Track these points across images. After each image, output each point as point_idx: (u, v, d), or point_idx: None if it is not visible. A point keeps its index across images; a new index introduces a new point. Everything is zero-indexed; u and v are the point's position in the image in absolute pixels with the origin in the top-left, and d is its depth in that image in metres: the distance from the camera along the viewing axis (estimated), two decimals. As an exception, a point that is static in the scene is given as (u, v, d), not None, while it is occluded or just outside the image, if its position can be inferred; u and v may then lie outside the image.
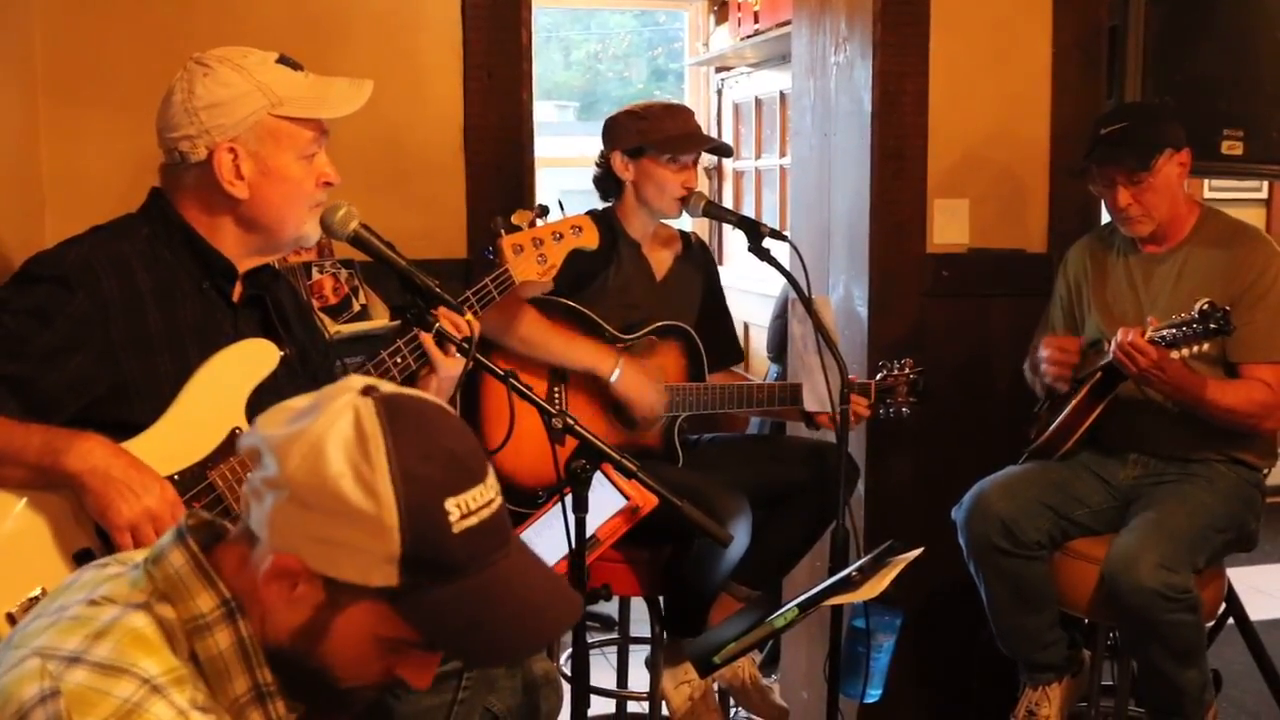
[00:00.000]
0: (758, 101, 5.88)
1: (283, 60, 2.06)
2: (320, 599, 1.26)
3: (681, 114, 3.07)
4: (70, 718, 1.15)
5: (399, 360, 2.14)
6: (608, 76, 9.13)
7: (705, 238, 6.10)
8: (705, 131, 6.27)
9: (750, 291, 5.68)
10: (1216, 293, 2.85)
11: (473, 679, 2.07)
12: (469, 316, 2.19)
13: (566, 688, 2.30)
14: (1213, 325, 2.72)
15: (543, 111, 9.46)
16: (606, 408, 2.96)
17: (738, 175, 6.17)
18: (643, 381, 2.91)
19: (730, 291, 5.89)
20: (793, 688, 3.84)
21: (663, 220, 3.13)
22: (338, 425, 1.24)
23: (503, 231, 2.38)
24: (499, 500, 1.31)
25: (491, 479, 1.31)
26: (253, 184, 2.01)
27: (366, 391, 1.28)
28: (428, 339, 2.13)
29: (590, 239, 2.47)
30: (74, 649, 1.21)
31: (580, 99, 9.56)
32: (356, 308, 3.01)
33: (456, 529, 1.24)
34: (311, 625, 1.28)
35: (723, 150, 3.11)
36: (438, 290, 2.16)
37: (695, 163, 3.05)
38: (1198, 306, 2.74)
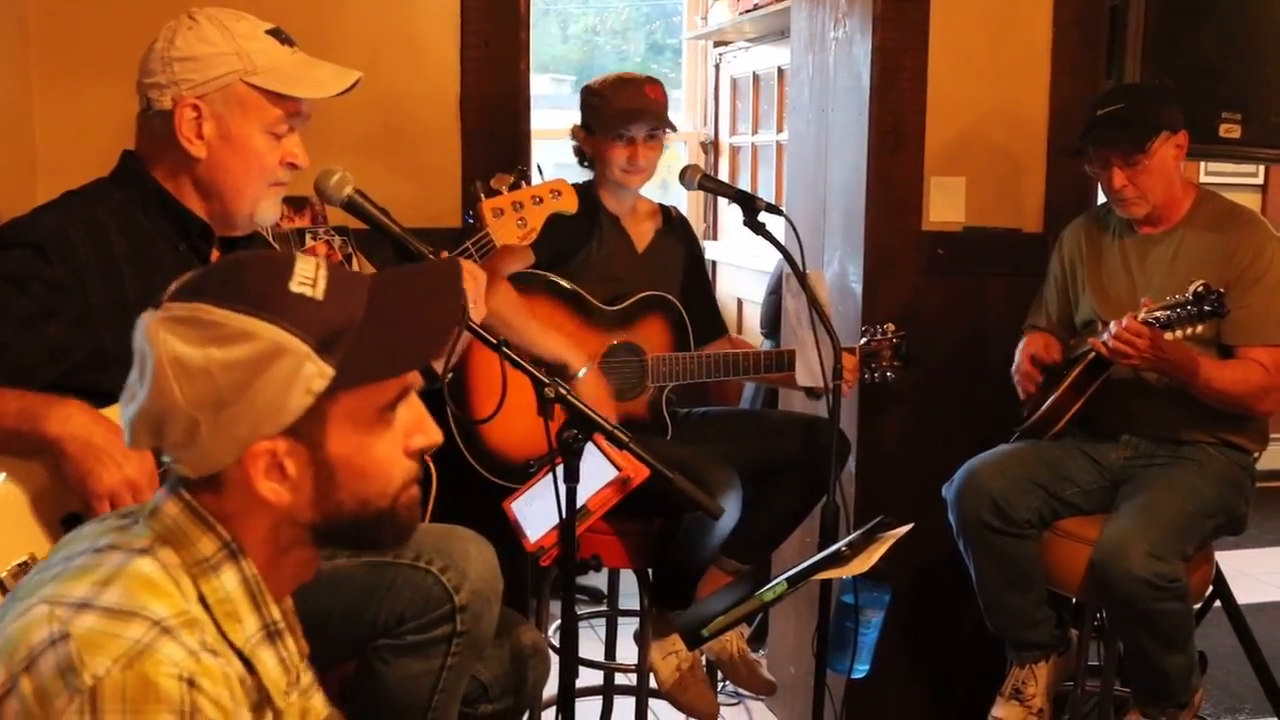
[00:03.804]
0: (755, 77, 5.85)
1: (275, 33, 2.04)
2: (305, 452, 1.28)
3: (633, 89, 3.04)
4: (81, 659, 1.15)
5: None
6: (605, 50, 9.08)
7: (700, 212, 6.12)
8: (701, 107, 6.29)
9: (744, 267, 5.67)
10: (1212, 275, 2.85)
11: (461, 646, 2.07)
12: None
13: (554, 658, 2.31)
14: (1207, 307, 2.73)
15: (540, 84, 9.40)
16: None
17: (734, 150, 6.15)
18: (599, 397, 2.84)
19: (724, 267, 5.93)
20: (781, 662, 3.85)
21: (632, 192, 3.12)
22: (165, 341, 1.24)
23: (483, 195, 2.37)
24: (322, 261, 1.34)
25: (300, 255, 1.33)
26: (211, 146, 1.99)
27: (154, 311, 1.28)
28: None
29: (569, 203, 2.46)
30: (82, 595, 1.21)
31: (578, 72, 9.52)
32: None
33: (320, 295, 1.27)
34: (320, 479, 1.30)
35: (665, 126, 3.07)
36: (430, 256, 2.15)
37: (651, 139, 3.03)
38: (1192, 288, 2.74)
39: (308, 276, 1.28)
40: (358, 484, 1.32)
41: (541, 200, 2.43)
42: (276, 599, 1.35)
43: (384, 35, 3.12)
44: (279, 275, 1.27)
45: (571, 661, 2.17)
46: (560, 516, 2.10)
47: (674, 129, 3.13)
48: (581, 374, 2.84)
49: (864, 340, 3.14)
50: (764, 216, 2.85)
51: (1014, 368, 3.18)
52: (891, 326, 3.15)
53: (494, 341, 2.13)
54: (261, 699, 1.31)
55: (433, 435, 1.39)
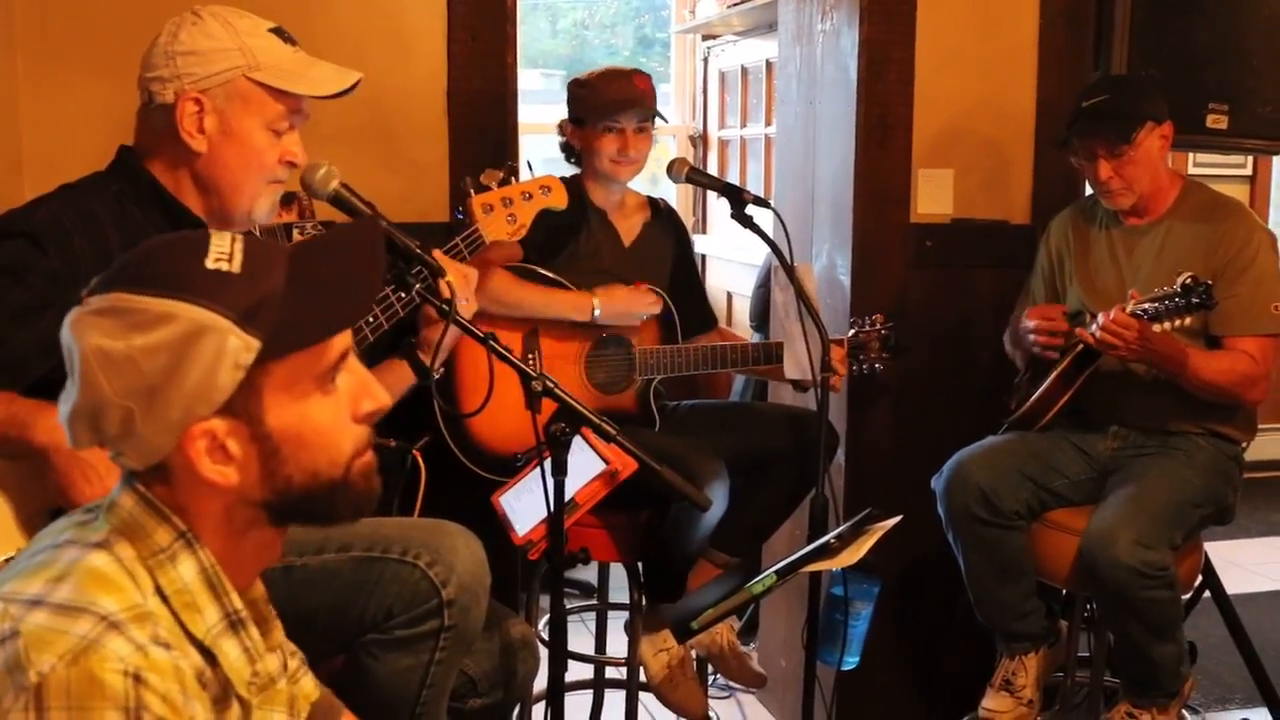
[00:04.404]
0: (744, 70, 5.85)
1: (277, 31, 2.04)
2: (245, 429, 1.28)
3: (622, 80, 3.04)
4: (28, 656, 1.15)
5: (370, 319, 2.15)
6: (594, 44, 9.08)
7: (689, 205, 6.12)
8: (690, 101, 6.28)
9: (733, 260, 5.67)
10: (1199, 265, 2.86)
11: (449, 640, 2.07)
12: (450, 277, 2.18)
13: (544, 651, 2.31)
14: (1195, 299, 2.73)
15: (529, 79, 9.39)
16: (582, 372, 2.97)
17: (723, 144, 6.15)
18: (626, 295, 2.96)
19: (713, 260, 5.93)
20: (771, 655, 3.85)
21: (620, 185, 3.12)
22: (86, 335, 1.24)
23: (472, 191, 2.37)
24: (238, 235, 1.33)
25: (214, 232, 1.33)
26: (212, 140, 1.99)
27: (77, 308, 1.28)
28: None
29: (559, 199, 2.46)
30: (35, 593, 1.21)
31: (567, 67, 9.51)
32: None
33: (236, 268, 1.26)
34: (264, 455, 1.29)
35: (653, 115, 3.08)
36: (418, 251, 2.15)
37: (641, 130, 3.03)
38: (1180, 280, 2.75)
39: (223, 252, 1.27)
40: (305, 455, 1.31)
41: (531, 196, 2.43)
42: (239, 587, 1.34)
43: (371, 29, 3.12)
44: (194, 254, 1.27)
45: (561, 655, 2.17)
46: (548, 510, 2.11)
47: (664, 119, 3.13)
48: (598, 312, 2.91)
49: (852, 332, 3.14)
50: (752, 209, 2.85)
51: (1027, 339, 3.10)
52: (880, 318, 3.15)
53: (481, 335, 2.13)
54: (225, 691, 1.30)
55: (380, 398, 1.38)
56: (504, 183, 2.42)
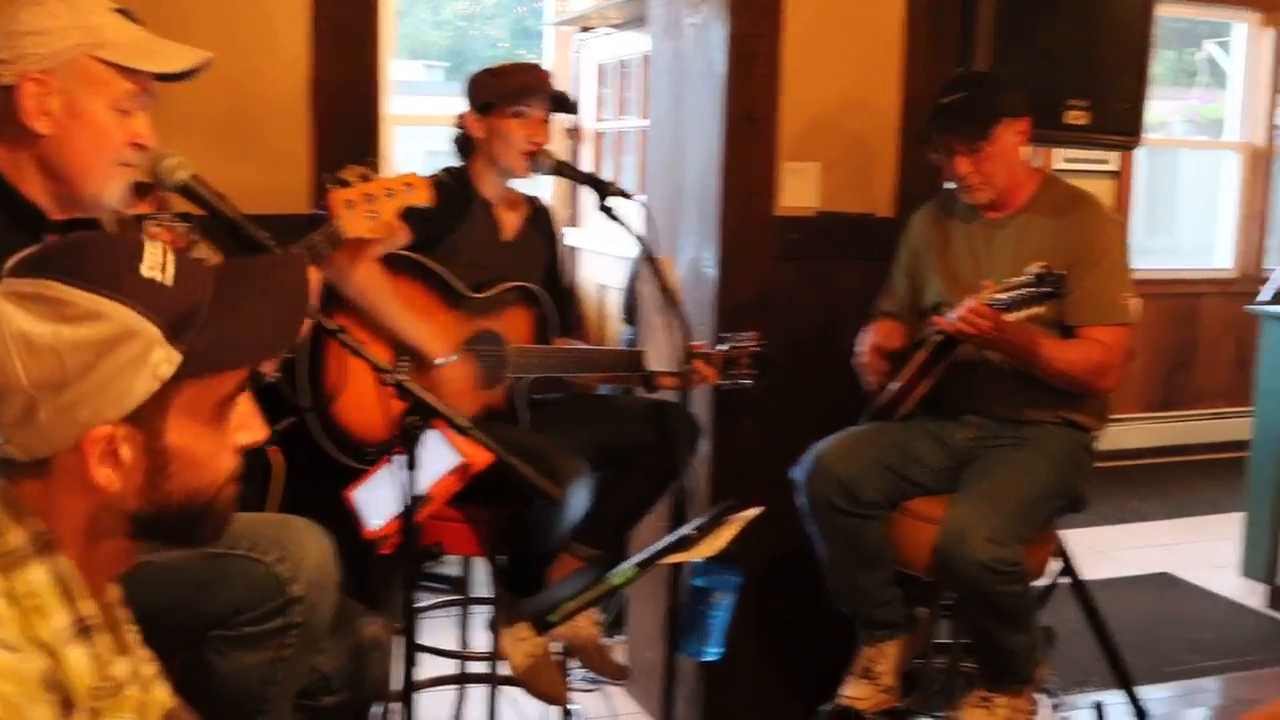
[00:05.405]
0: (621, 63, 5.85)
1: (122, 11, 1.99)
2: (142, 439, 1.26)
3: (532, 71, 3.08)
4: None
5: None
6: (474, 36, 9.03)
7: (565, 199, 6.11)
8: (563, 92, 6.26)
9: (606, 254, 5.67)
10: (1054, 257, 2.92)
11: (296, 637, 2.05)
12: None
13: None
14: (1047, 289, 2.79)
15: (412, 70, 9.31)
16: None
17: (599, 137, 6.14)
18: (464, 386, 2.87)
19: (586, 254, 5.92)
20: (638, 647, 3.86)
21: (512, 181, 3.12)
22: (10, 317, 1.22)
23: (333, 187, 2.35)
24: (169, 248, 1.32)
25: (147, 240, 1.31)
26: (57, 122, 1.93)
27: None
28: None
29: (422, 196, 2.45)
30: None
31: (449, 58, 9.45)
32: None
33: (169, 280, 1.26)
34: (152, 468, 1.28)
35: (566, 105, 3.11)
36: (269, 244, 2.13)
37: (544, 121, 3.04)
38: (1033, 271, 2.80)
39: (156, 261, 1.26)
40: (189, 475, 1.31)
41: (394, 193, 2.42)
42: (93, 592, 1.32)
43: (232, 16, 3.05)
44: (128, 257, 1.26)
45: (411, 653, 2.15)
46: (401, 504, 2.09)
47: (572, 111, 3.13)
48: (440, 363, 2.82)
49: (726, 347, 3.14)
50: (623, 202, 2.86)
51: (856, 358, 3.22)
52: (755, 335, 3.16)
53: (332, 329, 2.11)
54: (70, 697, 1.27)
55: (258, 433, 1.39)
56: (365, 179, 2.40)
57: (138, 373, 1.23)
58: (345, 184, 2.37)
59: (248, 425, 1.38)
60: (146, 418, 1.26)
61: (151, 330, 1.22)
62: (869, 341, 3.20)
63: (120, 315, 1.22)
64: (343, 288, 2.76)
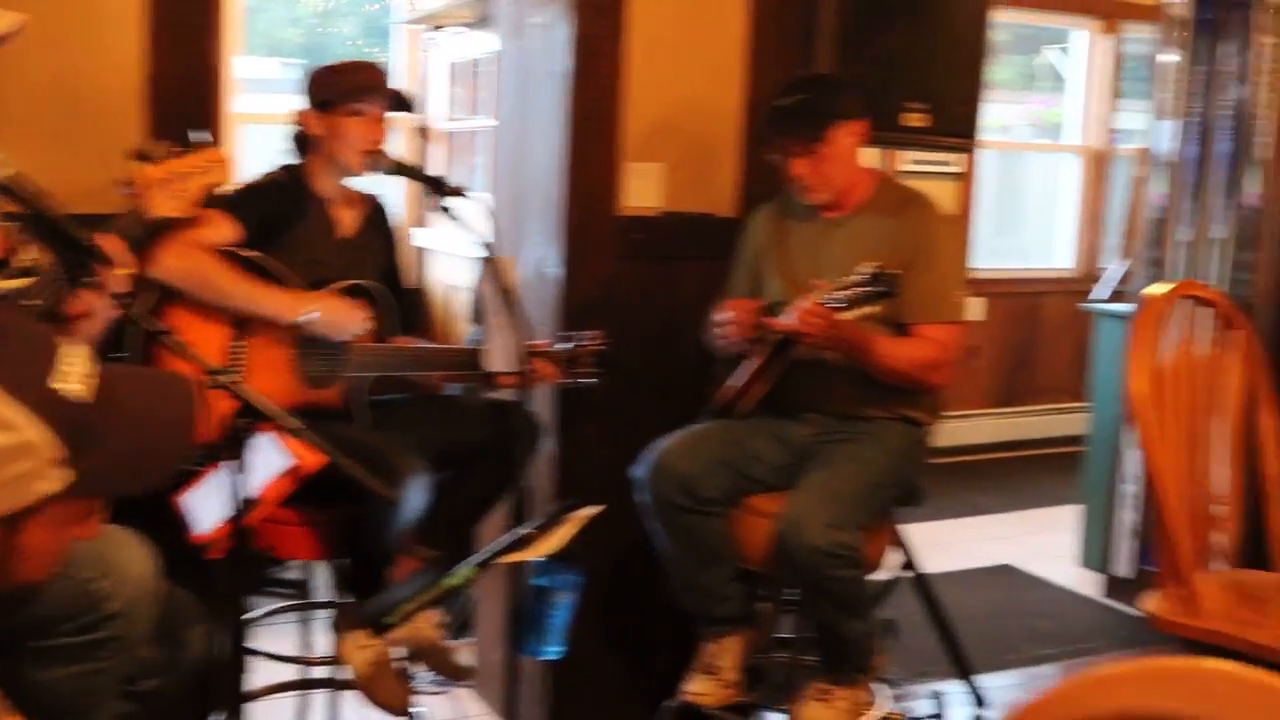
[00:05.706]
0: (474, 62, 5.81)
1: None
2: (4, 535, 1.26)
3: (370, 69, 3.07)
4: None
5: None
6: (328, 33, 8.92)
7: (409, 198, 6.05)
8: (412, 92, 6.20)
9: (454, 255, 5.63)
10: (889, 257, 2.97)
11: (112, 650, 2.01)
12: (120, 271, 2.11)
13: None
14: (879, 288, 2.84)
15: (267, 68, 9.15)
16: (291, 363, 2.91)
17: (450, 137, 6.10)
18: (344, 308, 2.91)
19: (433, 255, 5.87)
20: (486, 649, 3.84)
21: (348, 179, 3.09)
22: None
23: (139, 163, 2.31)
24: (83, 360, 1.31)
25: (66, 345, 1.30)
26: None
27: None
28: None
29: (222, 175, 2.44)
30: None
31: (303, 55, 9.30)
32: (25, 263, 2.86)
33: (76, 395, 1.25)
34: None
35: (405, 104, 3.09)
36: (85, 242, 2.08)
37: (381, 120, 3.02)
38: (866, 270, 2.85)
39: (67, 369, 1.26)
40: (24, 569, 1.30)
41: (200, 171, 2.38)
42: None
43: (65, 10, 2.97)
44: (41, 374, 1.24)
45: (239, 659, 2.12)
46: (229, 508, 2.06)
47: (411, 110, 3.14)
48: (303, 319, 2.82)
49: (569, 345, 3.15)
50: (464, 201, 2.86)
51: (719, 325, 3.17)
52: (599, 334, 3.17)
53: (158, 330, 2.07)
54: None
55: (93, 535, 1.40)
56: (172, 156, 2.37)
57: (24, 489, 1.22)
58: (152, 161, 2.34)
59: (85, 528, 1.38)
60: (11, 518, 1.24)
61: (50, 454, 1.21)
62: (731, 306, 3.17)
63: (29, 430, 1.20)
64: (170, 280, 2.71)
